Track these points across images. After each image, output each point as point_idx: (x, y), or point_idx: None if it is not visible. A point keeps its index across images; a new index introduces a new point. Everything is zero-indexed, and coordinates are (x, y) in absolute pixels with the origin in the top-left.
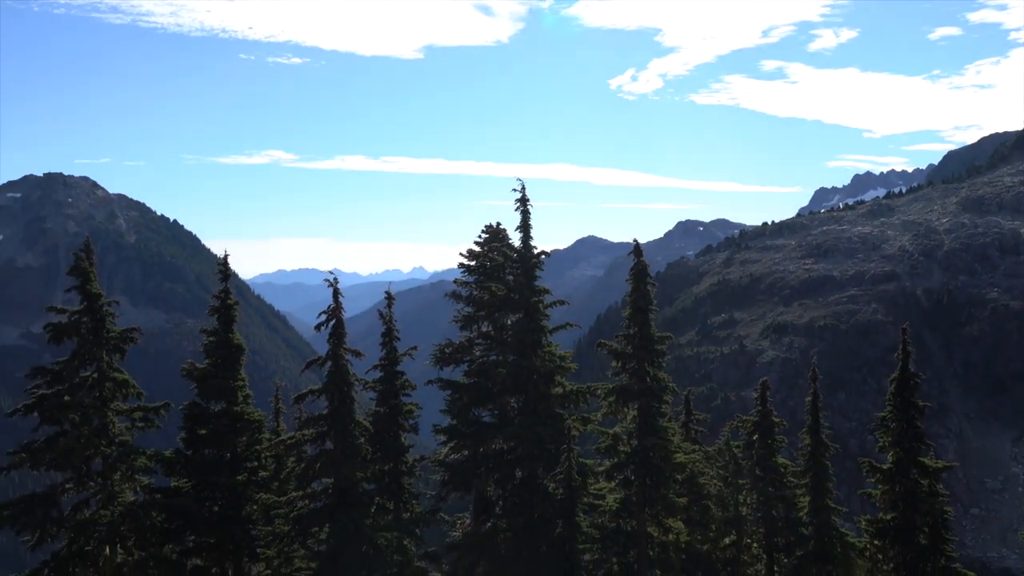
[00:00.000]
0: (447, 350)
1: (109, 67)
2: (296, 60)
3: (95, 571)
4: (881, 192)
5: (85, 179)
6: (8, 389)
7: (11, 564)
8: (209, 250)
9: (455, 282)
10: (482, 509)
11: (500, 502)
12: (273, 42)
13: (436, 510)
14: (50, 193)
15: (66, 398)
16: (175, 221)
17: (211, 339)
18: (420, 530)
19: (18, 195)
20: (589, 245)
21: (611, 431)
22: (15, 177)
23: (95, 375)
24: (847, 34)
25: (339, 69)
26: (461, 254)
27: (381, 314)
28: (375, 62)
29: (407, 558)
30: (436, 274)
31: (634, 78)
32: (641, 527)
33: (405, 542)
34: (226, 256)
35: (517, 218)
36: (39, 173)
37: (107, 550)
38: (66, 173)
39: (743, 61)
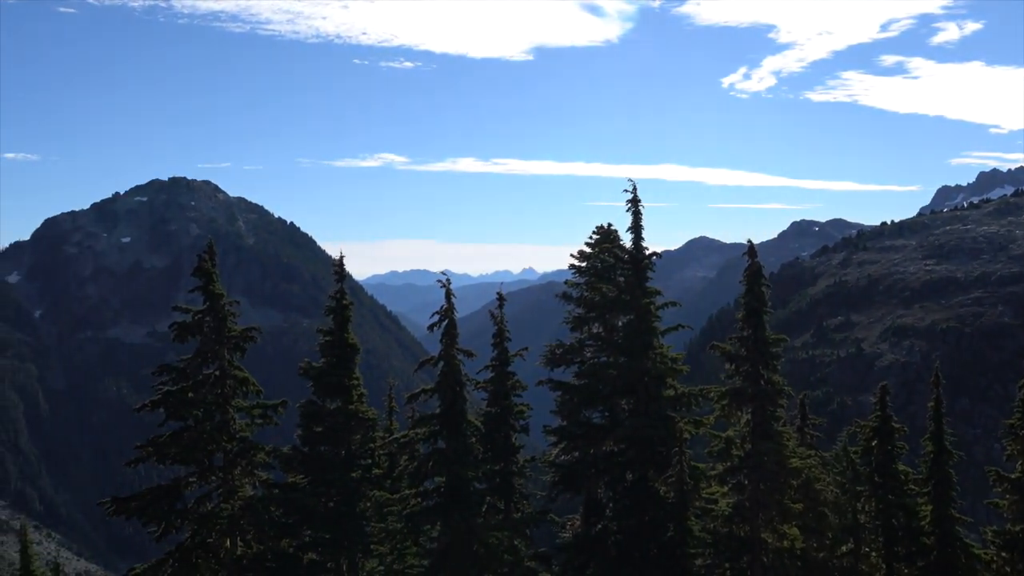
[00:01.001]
0: (558, 351)
1: (229, 75)
2: (408, 64)
3: (216, 562)
4: (1009, 190)
5: (207, 183)
6: (134, 385)
7: (137, 554)
8: (324, 251)
9: (566, 283)
10: (592, 511)
11: (610, 504)
12: (386, 47)
13: (546, 511)
14: (174, 197)
15: (190, 395)
16: (292, 223)
17: (327, 338)
18: (530, 530)
19: (144, 199)
20: (700, 246)
21: (724, 434)
22: (142, 182)
23: (217, 372)
24: (971, 26)
25: (450, 72)
26: (572, 255)
27: (492, 315)
28: (485, 64)
29: (517, 558)
30: (546, 275)
31: (746, 76)
32: (755, 533)
33: (516, 542)
34: (341, 257)
35: (628, 219)
36: (164, 178)
37: (227, 542)
38: (189, 177)
39: (861, 56)
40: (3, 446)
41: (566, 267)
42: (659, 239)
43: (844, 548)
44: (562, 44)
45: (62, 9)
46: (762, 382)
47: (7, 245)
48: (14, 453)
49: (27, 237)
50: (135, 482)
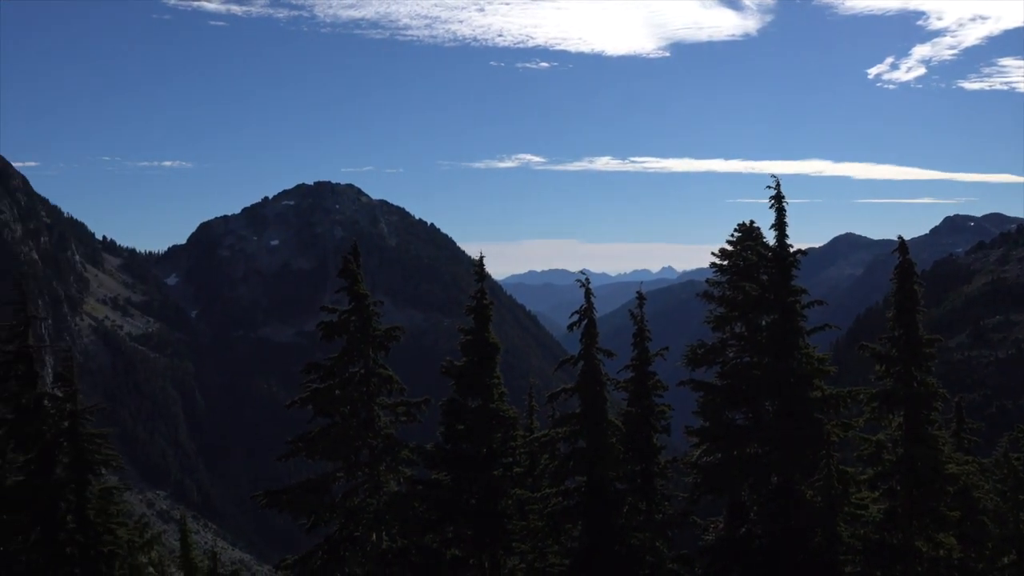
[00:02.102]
0: (699, 351)
1: (370, 81)
2: (544, 64)
3: (363, 555)
4: None
5: (350, 186)
6: (284, 382)
7: (288, 545)
8: (464, 252)
9: (707, 282)
10: (736, 514)
11: (755, 507)
12: (522, 48)
13: (688, 513)
14: (320, 201)
15: (337, 392)
16: (432, 225)
17: (468, 338)
18: (672, 532)
19: (292, 203)
20: (847, 243)
21: (874, 438)
22: (289, 187)
23: (362, 371)
24: None
25: (586, 71)
26: (713, 253)
27: (632, 314)
28: (621, 62)
29: (659, 559)
30: (686, 274)
31: (894, 66)
32: (908, 541)
33: (657, 543)
34: (481, 258)
35: (771, 216)
36: (310, 182)
37: (373, 536)
38: (333, 181)
39: (1018, 42)
40: (164, 440)
41: (707, 266)
42: (804, 236)
43: (1006, 559)
44: (699, 39)
45: (213, 23)
46: (915, 384)
47: (166, 249)
48: (174, 446)
49: (184, 241)
50: (285, 476)
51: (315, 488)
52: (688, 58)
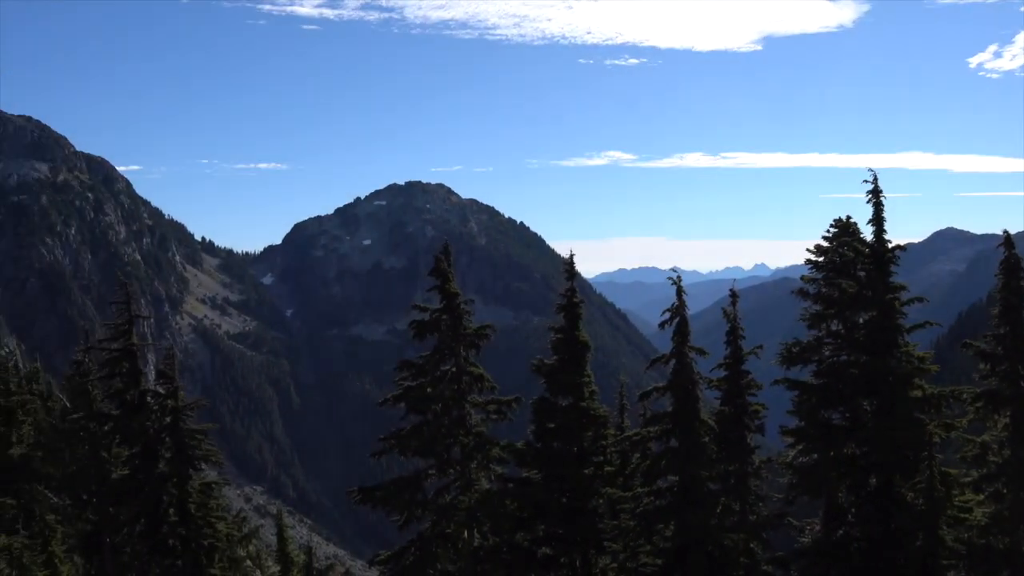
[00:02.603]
0: (794, 349)
1: (459, 80)
2: (633, 61)
3: (455, 552)
4: None
5: (440, 186)
6: (376, 380)
7: (381, 541)
8: (553, 250)
9: (802, 279)
10: (833, 516)
11: (852, 509)
12: (610, 45)
13: (784, 514)
14: (411, 200)
15: (428, 390)
16: (521, 223)
17: (558, 336)
18: (767, 533)
19: (383, 203)
20: (947, 238)
21: (979, 439)
22: (380, 187)
23: (454, 369)
24: None
25: (675, 66)
26: (808, 250)
27: (725, 312)
28: (711, 57)
29: (754, 561)
30: (779, 271)
31: (997, 54)
32: (1016, 546)
33: (752, 544)
34: (571, 256)
35: (868, 211)
36: (401, 182)
37: (465, 533)
38: (424, 181)
39: None
40: (260, 436)
41: (801, 262)
42: (903, 231)
43: None
44: (792, 32)
45: (306, 27)
46: (1022, 383)
47: (262, 249)
48: (270, 443)
49: (279, 241)
50: (378, 473)
51: (407, 485)
52: (780, 51)
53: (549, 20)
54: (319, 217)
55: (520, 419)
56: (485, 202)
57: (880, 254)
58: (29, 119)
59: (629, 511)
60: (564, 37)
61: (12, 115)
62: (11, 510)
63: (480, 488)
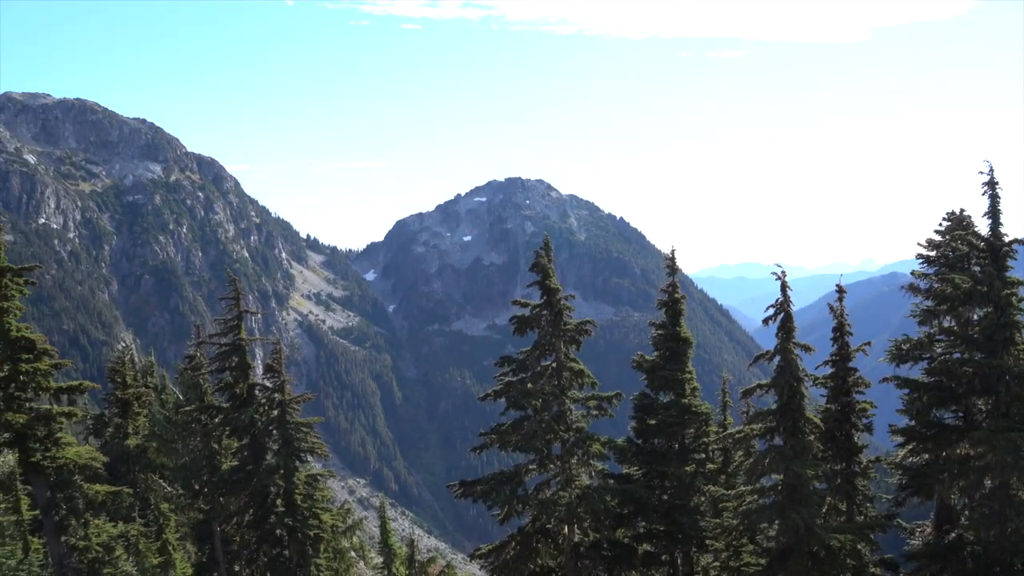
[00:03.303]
0: (904, 346)
1: (559, 75)
2: (735, 54)
3: (555, 548)
4: None
5: (540, 182)
6: (476, 375)
7: (481, 535)
8: (653, 246)
9: (912, 274)
10: (945, 518)
11: (966, 511)
12: (713, 38)
13: (893, 515)
14: (511, 196)
15: (529, 385)
16: (621, 218)
17: (659, 332)
18: (875, 535)
19: (483, 199)
20: None
21: None
22: (481, 183)
23: (554, 364)
24: None
25: (780, 59)
26: (919, 244)
27: (831, 307)
28: (818, 49)
29: (861, 563)
30: (887, 266)
31: None
32: None
33: (859, 546)
34: (673, 251)
35: (984, 203)
36: (501, 179)
37: (565, 529)
38: (524, 177)
39: None
40: (364, 429)
41: (911, 257)
42: (1020, 225)
43: None
44: (904, 22)
45: (407, 26)
46: None
47: (365, 246)
48: (373, 436)
49: (381, 238)
50: (478, 467)
51: (508, 480)
52: (892, 41)
53: (650, 14)
54: (420, 214)
55: (621, 415)
56: (585, 198)
57: (996, 248)
58: (143, 121)
59: (732, 509)
60: (664, 31)
61: (127, 118)
62: (128, 499)
63: (580, 484)
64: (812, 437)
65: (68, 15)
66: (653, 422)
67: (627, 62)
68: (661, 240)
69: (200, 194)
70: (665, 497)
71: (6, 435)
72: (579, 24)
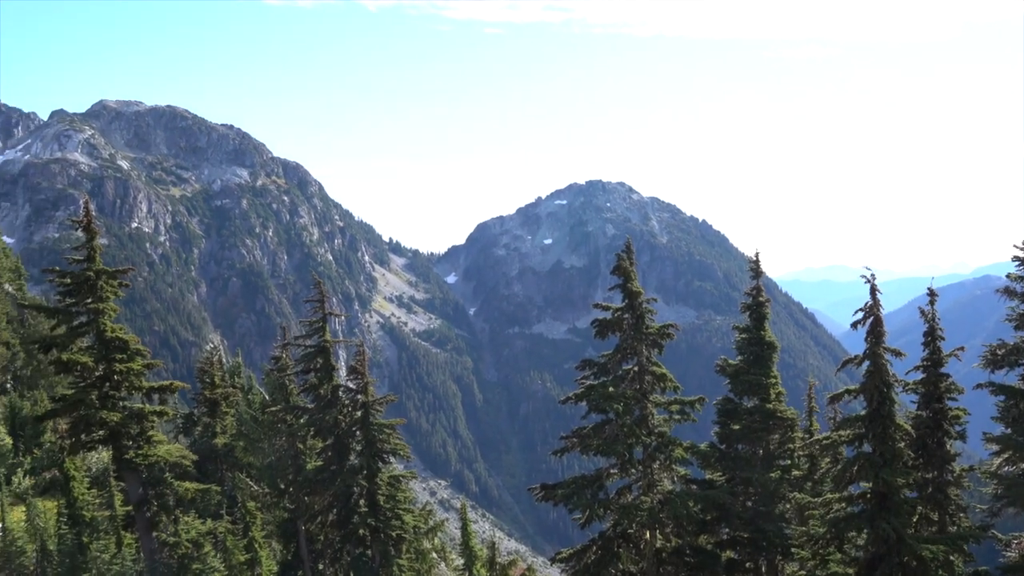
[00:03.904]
0: (999, 351)
1: (641, 77)
2: (819, 53)
3: (636, 553)
4: None
5: (621, 184)
6: (557, 378)
7: (561, 539)
8: (736, 249)
9: (1008, 276)
10: None
11: None
12: (796, 39)
13: (988, 526)
14: (591, 199)
15: (610, 389)
16: (703, 221)
17: (743, 336)
18: (969, 546)
19: (564, 202)
20: None
21: None
22: (561, 186)
23: (636, 368)
24: None
25: (867, 58)
26: (1015, 246)
27: (923, 312)
28: (905, 47)
29: (954, 575)
30: (980, 269)
31: None
32: None
33: (952, 557)
34: (757, 255)
35: None
36: (581, 181)
37: (647, 534)
38: (604, 179)
39: None
40: (445, 431)
41: (1006, 259)
42: None
43: None
44: (991, 21)
45: (489, 31)
46: None
47: (446, 249)
48: (454, 438)
49: (462, 241)
50: (558, 470)
51: (589, 484)
52: (979, 38)
53: (732, 14)
54: (501, 217)
55: (703, 420)
56: (667, 200)
57: None
58: (231, 127)
59: (818, 517)
60: (748, 31)
61: (216, 124)
62: (216, 496)
63: (663, 489)
64: (903, 444)
65: (161, 26)
66: (737, 427)
67: (709, 63)
68: (744, 243)
69: (286, 198)
70: (749, 503)
71: (101, 432)
72: (659, 26)
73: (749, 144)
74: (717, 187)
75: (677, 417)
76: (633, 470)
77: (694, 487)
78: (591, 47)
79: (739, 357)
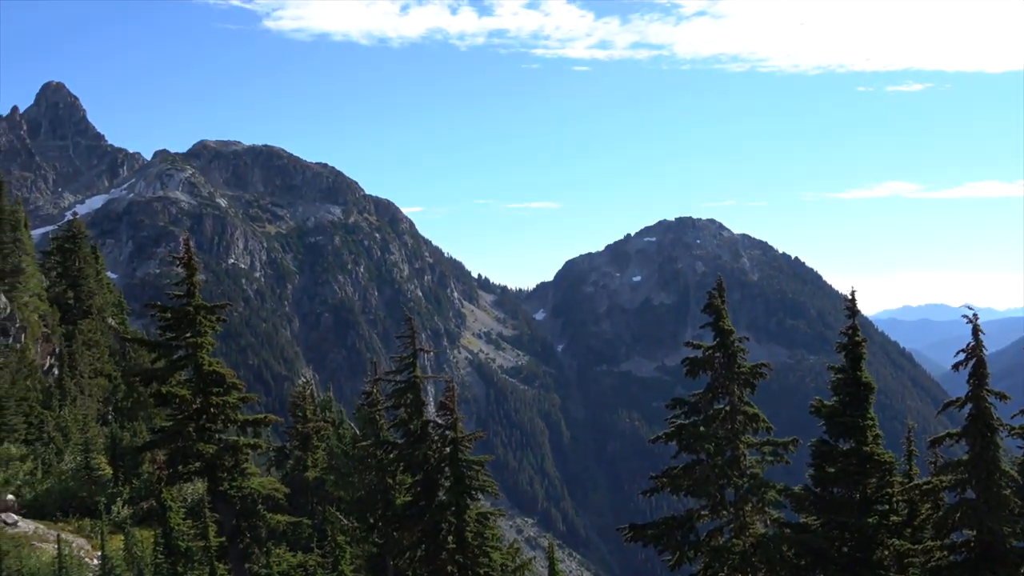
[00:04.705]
0: None
1: (731, 114)
2: (917, 86)
3: None
4: None
5: (712, 221)
6: (646, 417)
7: None
8: (830, 286)
9: None
10: None
11: None
12: (892, 71)
13: None
14: (680, 236)
15: (701, 429)
16: (796, 258)
17: (839, 376)
18: None
19: (653, 239)
20: None
21: None
22: (650, 223)
23: (727, 408)
24: None
25: (965, 90)
26: None
27: None
28: (1005, 79)
29: None
30: None
31: None
32: None
33: None
34: (853, 293)
35: None
36: (671, 218)
37: None
38: (694, 216)
39: None
40: (532, 468)
41: None
42: None
43: None
44: None
45: (577, 68)
46: None
47: (534, 286)
48: (541, 476)
49: (551, 278)
50: (646, 510)
51: (679, 525)
52: None
53: (824, 49)
54: (590, 254)
55: (797, 462)
56: (758, 237)
57: None
58: (325, 166)
59: (919, 565)
60: (841, 65)
61: (310, 162)
62: (307, 529)
63: (755, 532)
64: (1008, 491)
65: (260, 69)
66: (832, 470)
67: (802, 98)
68: (838, 280)
69: (377, 235)
70: (845, 549)
71: (197, 464)
72: (751, 62)
73: (841, 180)
74: (810, 224)
75: (770, 459)
76: (725, 512)
77: (788, 531)
78: (680, 84)
79: (834, 398)
